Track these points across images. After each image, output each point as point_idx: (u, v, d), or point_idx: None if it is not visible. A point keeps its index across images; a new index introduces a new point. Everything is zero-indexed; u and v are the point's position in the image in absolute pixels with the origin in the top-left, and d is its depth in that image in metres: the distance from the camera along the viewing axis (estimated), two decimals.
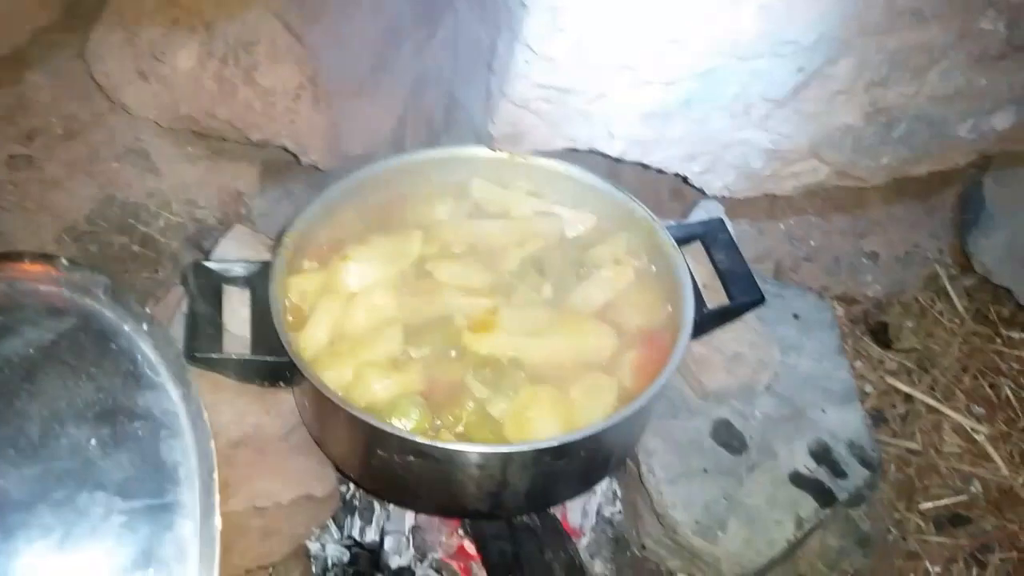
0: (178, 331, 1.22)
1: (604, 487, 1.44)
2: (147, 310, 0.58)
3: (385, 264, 1.24)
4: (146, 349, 0.55)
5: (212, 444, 0.55)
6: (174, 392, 0.54)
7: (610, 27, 1.17)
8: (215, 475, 0.54)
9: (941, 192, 1.88)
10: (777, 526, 1.27)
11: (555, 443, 1.04)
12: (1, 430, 0.48)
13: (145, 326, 0.56)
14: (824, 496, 1.31)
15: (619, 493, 1.44)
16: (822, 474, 1.33)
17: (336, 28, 1.42)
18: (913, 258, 1.87)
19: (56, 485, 0.52)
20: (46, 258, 0.59)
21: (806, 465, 1.33)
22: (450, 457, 1.04)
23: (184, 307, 1.24)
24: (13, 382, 0.51)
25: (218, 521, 0.56)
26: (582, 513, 1.41)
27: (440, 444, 1.02)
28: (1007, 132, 1.52)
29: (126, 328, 0.55)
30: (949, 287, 1.85)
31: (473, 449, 1.04)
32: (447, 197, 1.36)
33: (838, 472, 1.33)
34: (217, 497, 0.57)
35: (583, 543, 1.39)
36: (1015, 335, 1.80)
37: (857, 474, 1.34)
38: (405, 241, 1.27)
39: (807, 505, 1.30)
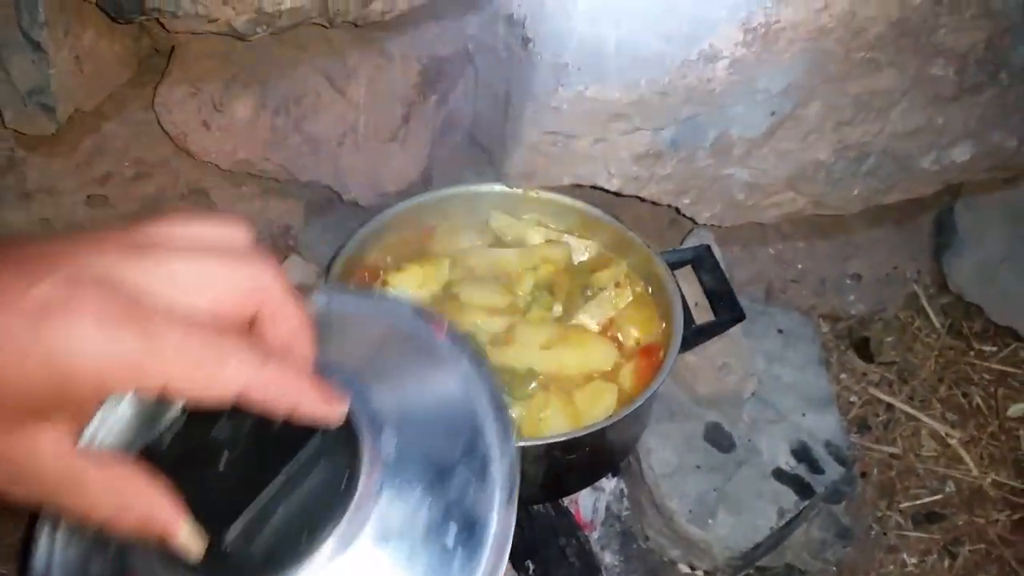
0: None
1: (612, 486, 1.59)
2: None
3: (418, 288, 1.42)
4: None
5: None
6: None
7: (604, 83, 1.35)
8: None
9: (918, 218, 2.03)
10: (761, 515, 1.42)
11: (563, 438, 1.21)
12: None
13: None
14: (803, 490, 1.46)
15: (626, 491, 1.60)
16: (801, 470, 1.48)
17: (372, 82, 1.62)
18: (894, 279, 2.02)
19: None
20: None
21: (787, 462, 1.49)
22: None
23: None
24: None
25: None
26: (592, 510, 1.56)
27: None
28: (966, 163, 1.67)
29: None
30: (927, 305, 1.99)
31: None
32: (470, 229, 1.53)
33: (816, 469, 1.49)
34: None
35: (594, 536, 1.53)
36: (986, 348, 1.94)
37: (833, 470, 1.49)
38: (435, 268, 1.44)
39: (788, 497, 1.45)
